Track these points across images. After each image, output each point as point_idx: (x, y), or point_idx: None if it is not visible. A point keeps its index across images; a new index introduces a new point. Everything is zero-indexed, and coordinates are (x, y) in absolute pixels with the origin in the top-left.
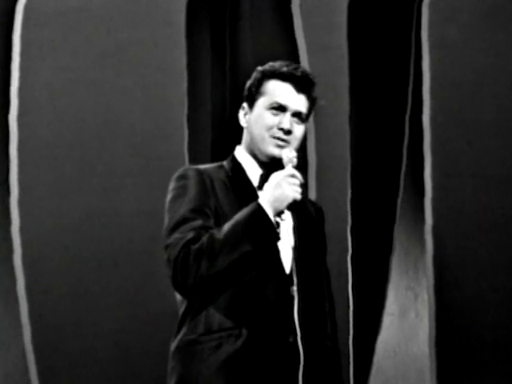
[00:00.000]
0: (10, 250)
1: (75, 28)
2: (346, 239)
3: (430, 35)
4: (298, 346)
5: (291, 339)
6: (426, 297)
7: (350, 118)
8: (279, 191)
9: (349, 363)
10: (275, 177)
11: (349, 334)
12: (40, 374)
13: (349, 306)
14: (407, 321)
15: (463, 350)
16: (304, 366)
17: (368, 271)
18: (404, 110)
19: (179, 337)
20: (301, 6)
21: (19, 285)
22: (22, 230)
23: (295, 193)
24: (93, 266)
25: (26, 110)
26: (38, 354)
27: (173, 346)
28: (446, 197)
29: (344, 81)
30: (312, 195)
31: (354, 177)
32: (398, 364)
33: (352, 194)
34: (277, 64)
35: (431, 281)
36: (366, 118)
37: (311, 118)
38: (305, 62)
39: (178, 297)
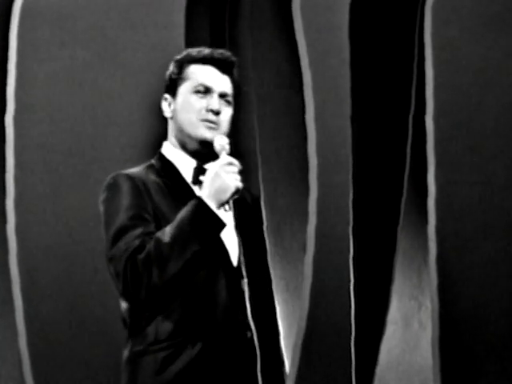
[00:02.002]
0: (5, 253)
1: (72, 29)
2: (348, 241)
3: (434, 37)
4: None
5: (249, 334)
6: (429, 306)
7: (352, 119)
8: (219, 182)
9: (351, 374)
10: (212, 167)
11: (350, 342)
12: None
13: (350, 310)
14: (410, 330)
15: (468, 360)
16: (261, 360)
17: (371, 274)
18: (407, 112)
19: (129, 347)
20: (302, 6)
21: (15, 289)
22: (18, 232)
23: (236, 181)
24: (89, 269)
25: (23, 111)
26: (34, 364)
27: (123, 356)
28: (450, 203)
29: (345, 82)
30: (313, 197)
31: (356, 179)
32: (401, 375)
33: (354, 196)
34: (195, 49)
35: (434, 289)
36: (368, 119)
37: (313, 122)
38: (306, 64)
39: (124, 305)
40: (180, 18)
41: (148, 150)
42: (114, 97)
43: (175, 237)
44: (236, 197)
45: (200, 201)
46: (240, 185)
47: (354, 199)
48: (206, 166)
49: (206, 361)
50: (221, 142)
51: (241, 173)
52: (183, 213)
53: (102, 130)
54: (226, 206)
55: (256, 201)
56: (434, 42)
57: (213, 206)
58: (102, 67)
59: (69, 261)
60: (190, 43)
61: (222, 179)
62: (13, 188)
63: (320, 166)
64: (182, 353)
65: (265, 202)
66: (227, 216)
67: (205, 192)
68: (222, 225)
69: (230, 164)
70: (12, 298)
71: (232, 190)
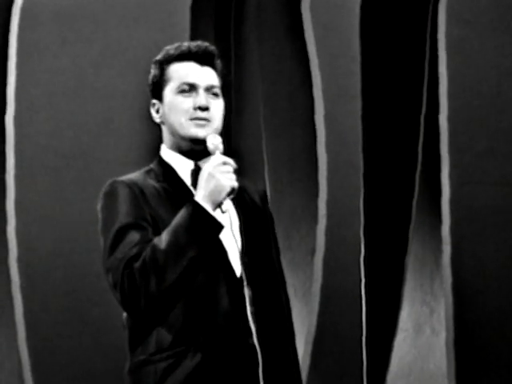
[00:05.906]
0: (5, 255)
1: (73, 29)
2: (359, 243)
3: (447, 36)
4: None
5: (251, 341)
6: (442, 312)
7: (363, 118)
8: (213, 182)
9: (362, 381)
10: (206, 168)
11: (360, 348)
12: None
13: (360, 314)
14: (422, 337)
15: (483, 368)
16: (263, 366)
17: (382, 276)
18: (418, 111)
19: (130, 357)
20: (311, 5)
21: (15, 292)
22: (18, 233)
23: (231, 181)
24: (90, 271)
25: (23, 111)
26: (35, 368)
27: (125, 367)
28: (465, 204)
29: (356, 81)
30: (323, 198)
31: (367, 179)
32: (412, 382)
33: (365, 196)
34: (171, 48)
35: (448, 292)
36: (378, 119)
37: (322, 121)
38: (315, 63)
39: (125, 314)
40: (185, 18)
41: (151, 151)
42: (116, 97)
43: (171, 243)
44: (232, 196)
45: (195, 203)
46: (235, 184)
47: (364, 200)
48: (202, 165)
49: (207, 370)
50: (214, 142)
51: (238, 173)
52: (178, 217)
53: (103, 131)
54: (223, 207)
55: (263, 196)
56: (447, 41)
57: (208, 207)
58: (104, 67)
59: (69, 263)
60: None
61: (216, 179)
62: (13, 189)
63: (330, 166)
64: (183, 363)
65: (271, 205)
66: (224, 218)
67: (200, 194)
68: (220, 226)
69: (224, 163)
70: (11, 301)
71: (227, 190)
